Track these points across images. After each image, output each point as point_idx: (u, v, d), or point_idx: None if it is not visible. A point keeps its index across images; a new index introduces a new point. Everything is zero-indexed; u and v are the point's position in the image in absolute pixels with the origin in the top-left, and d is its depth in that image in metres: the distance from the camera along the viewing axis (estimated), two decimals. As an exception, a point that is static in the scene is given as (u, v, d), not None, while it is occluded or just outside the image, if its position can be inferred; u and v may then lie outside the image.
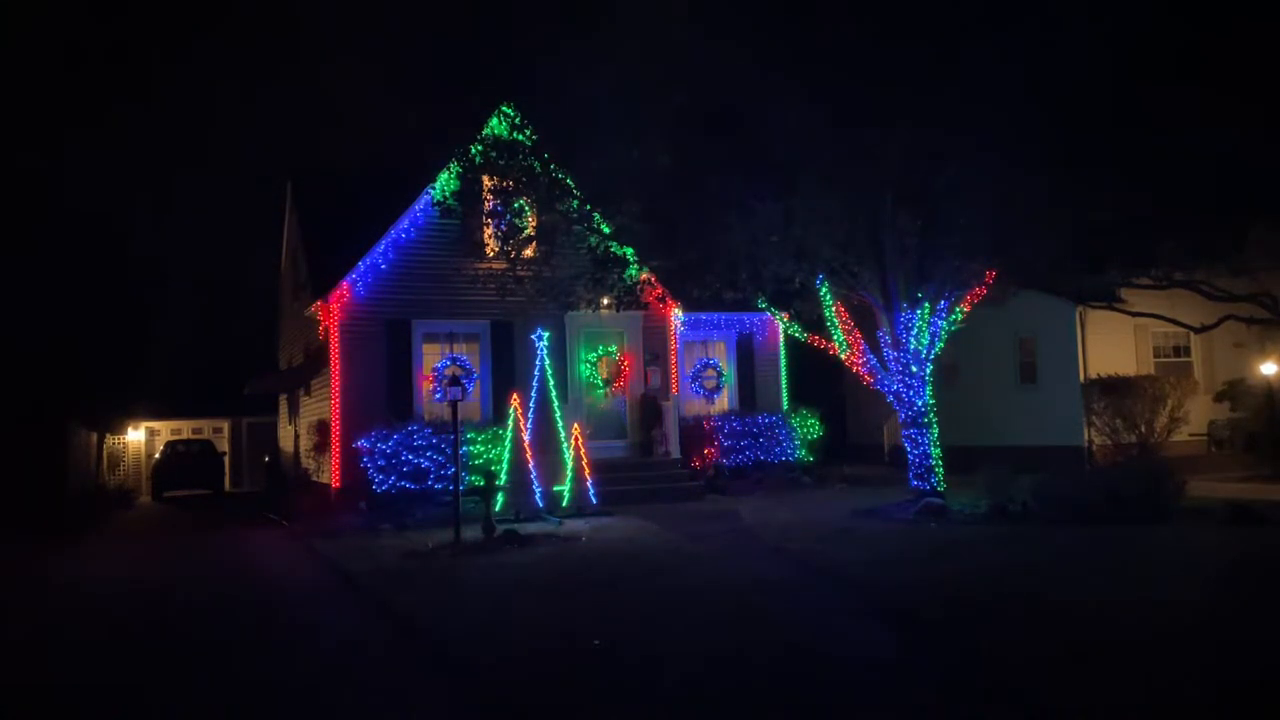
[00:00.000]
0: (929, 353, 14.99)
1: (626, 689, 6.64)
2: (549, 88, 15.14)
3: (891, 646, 7.41)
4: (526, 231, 16.56)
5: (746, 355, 21.83)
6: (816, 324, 16.07)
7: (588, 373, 20.09)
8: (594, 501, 16.52)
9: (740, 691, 6.46)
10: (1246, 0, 13.94)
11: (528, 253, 16.99)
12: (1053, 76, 12.73)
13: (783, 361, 22.04)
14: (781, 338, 21.62)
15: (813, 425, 20.93)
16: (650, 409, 19.65)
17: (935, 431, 15.00)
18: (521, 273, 16.88)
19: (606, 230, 16.17)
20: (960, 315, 15.25)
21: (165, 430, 33.03)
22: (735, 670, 6.91)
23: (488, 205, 16.67)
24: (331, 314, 18.39)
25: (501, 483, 15.89)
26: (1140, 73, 13.22)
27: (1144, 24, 12.81)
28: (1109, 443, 19.16)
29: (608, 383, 20.21)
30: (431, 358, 19.07)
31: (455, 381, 14.14)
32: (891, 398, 15.31)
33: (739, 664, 7.04)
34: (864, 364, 15.33)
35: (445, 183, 17.74)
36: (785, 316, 16.73)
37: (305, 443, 21.45)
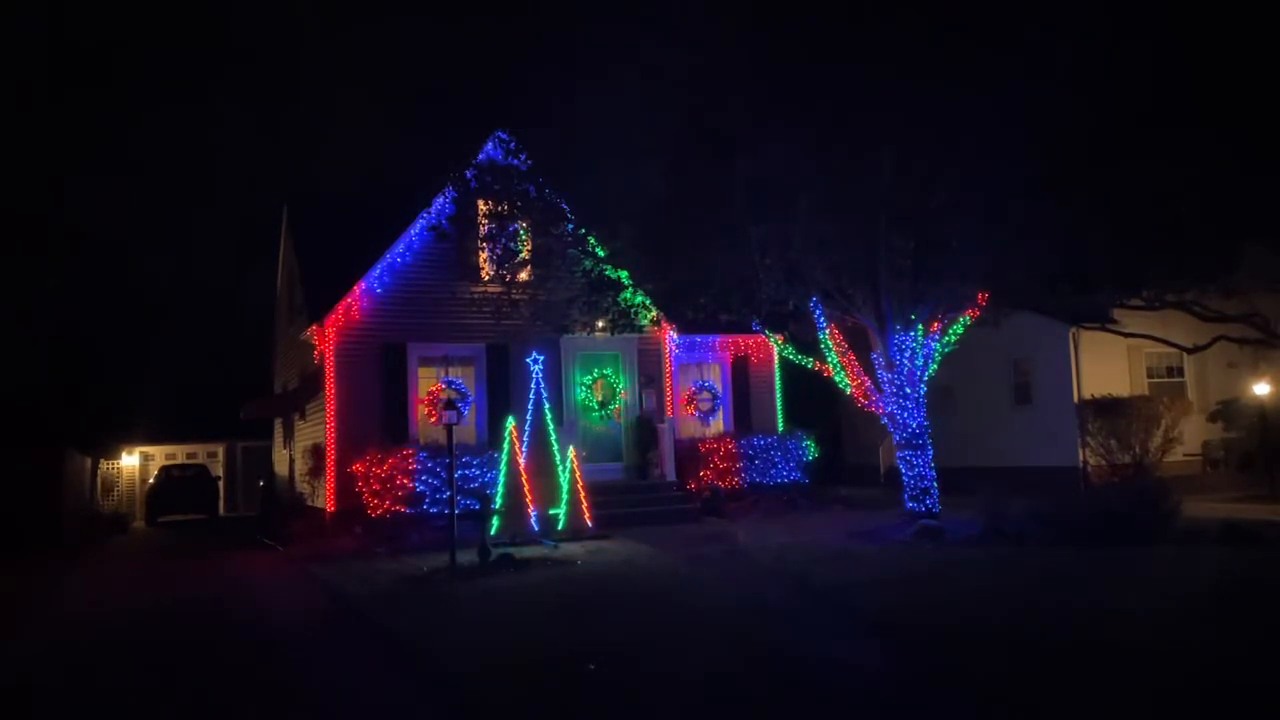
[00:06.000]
0: (923, 374, 15.03)
1: (622, 714, 6.63)
2: (544, 113, 15.26)
3: (891, 671, 7.40)
4: (522, 255, 16.63)
5: (742, 377, 21.87)
6: (811, 346, 16.13)
7: (583, 395, 20.11)
8: (590, 525, 16.48)
9: (738, 717, 6.45)
10: (1236, 26, 14.09)
11: (523, 276, 17.05)
12: (1044, 101, 12.85)
13: (778, 383, 22.08)
14: (777, 360, 21.66)
15: (809, 447, 20.93)
16: (646, 431, 19.64)
17: (930, 452, 15.02)
18: (517, 296, 16.95)
19: (602, 254, 16.25)
20: (954, 337, 15.31)
21: (160, 454, 32.94)
22: (733, 695, 6.89)
23: (483, 229, 16.75)
24: (327, 338, 18.41)
25: (497, 506, 15.87)
26: (1131, 95, 13.35)
27: (1135, 50, 12.95)
28: (1104, 463, 19.19)
29: (603, 405, 20.22)
30: (427, 381, 19.07)
31: (450, 405, 14.14)
32: (886, 419, 15.35)
33: (737, 688, 7.03)
34: (859, 386, 15.37)
35: (441, 207, 17.86)
36: (780, 339, 16.80)
37: (300, 467, 21.41)
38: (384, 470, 17.08)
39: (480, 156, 17.10)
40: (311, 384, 19.85)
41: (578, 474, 16.73)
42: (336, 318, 18.44)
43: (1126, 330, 19.64)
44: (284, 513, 21.35)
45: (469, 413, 18.86)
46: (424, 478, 17.20)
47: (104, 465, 29.06)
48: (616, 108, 13.79)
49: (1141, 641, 7.78)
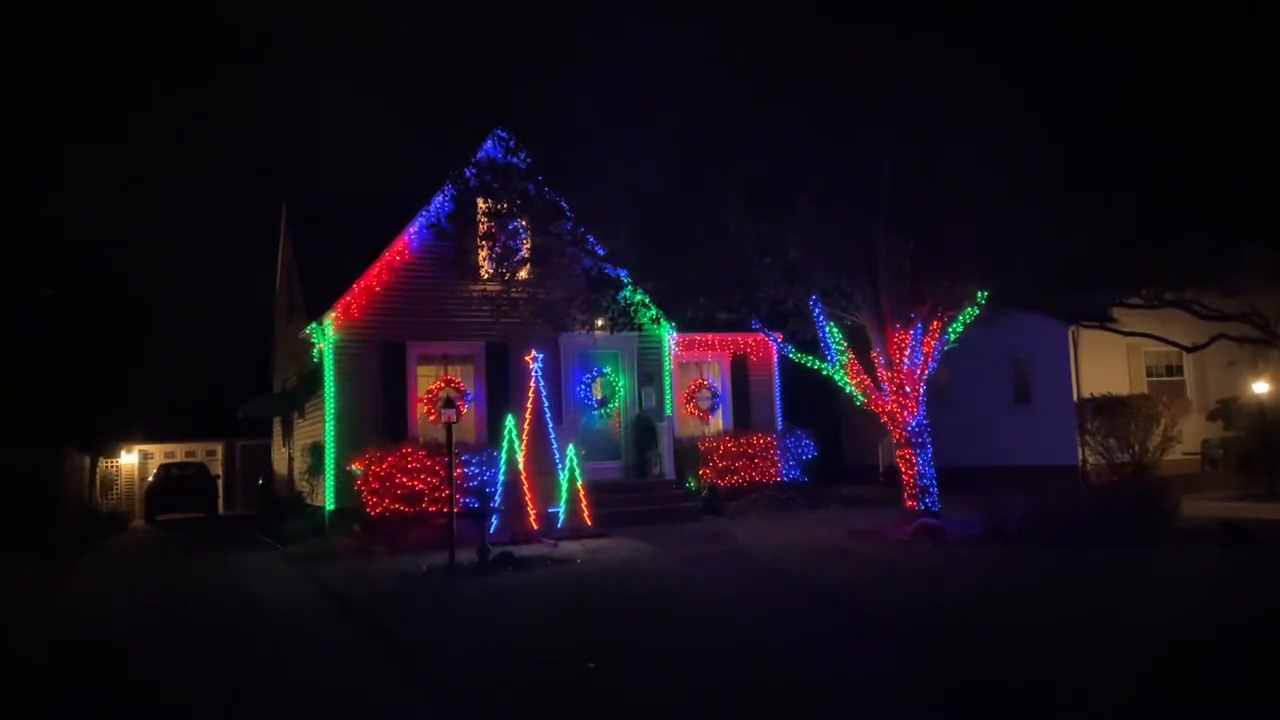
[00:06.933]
0: (922, 373, 15.02)
1: (623, 713, 6.62)
2: (543, 111, 15.21)
3: (891, 671, 7.40)
4: (521, 254, 16.61)
5: (741, 376, 21.86)
6: (811, 345, 16.11)
7: (582, 394, 20.10)
8: (589, 523, 16.47)
9: (738, 716, 6.44)
10: (1236, 28, 14.08)
11: (522, 275, 17.02)
12: (1045, 101, 12.83)
13: (777, 382, 22.06)
14: (776, 358, 21.65)
15: (808, 445, 20.92)
16: (645, 430, 19.63)
17: (930, 451, 15.01)
18: (516, 295, 16.92)
19: (601, 252, 16.23)
20: (954, 335, 15.30)
21: (159, 453, 32.91)
22: (733, 694, 6.89)
23: (482, 228, 16.73)
24: (325, 336, 18.39)
25: (496, 505, 15.86)
26: (1133, 97, 13.35)
27: (1135, 51, 12.95)
28: (1103, 462, 19.20)
29: (602, 404, 20.22)
30: (426, 380, 19.06)
31: (450, 403, 14.14)
32: (886, 418, 15.33)
33: (737, 688, 7.02)
34: (859, 384, 15.35)
35: (440, 206, 17.85)
36: (779, 337, 16.79)
37: (299, 465, 21.40)
38: (383, 469, 17.06)
39: (479, 154, 17.08)
40: (310, 382, 19.83)
41: (577, 473, 16.72)
42: (335, 316, 18.42)
43: (1126, 329, 19.64)
44: (283, 511, 21.35)
45: (468, 411, 18.85)
46: (423, 476, 17.17)
47: (103, 464, 29.03)
48: (616, 106, 13.76)
49: (1140, 641, 7.79)
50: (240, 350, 31.06)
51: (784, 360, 20.23)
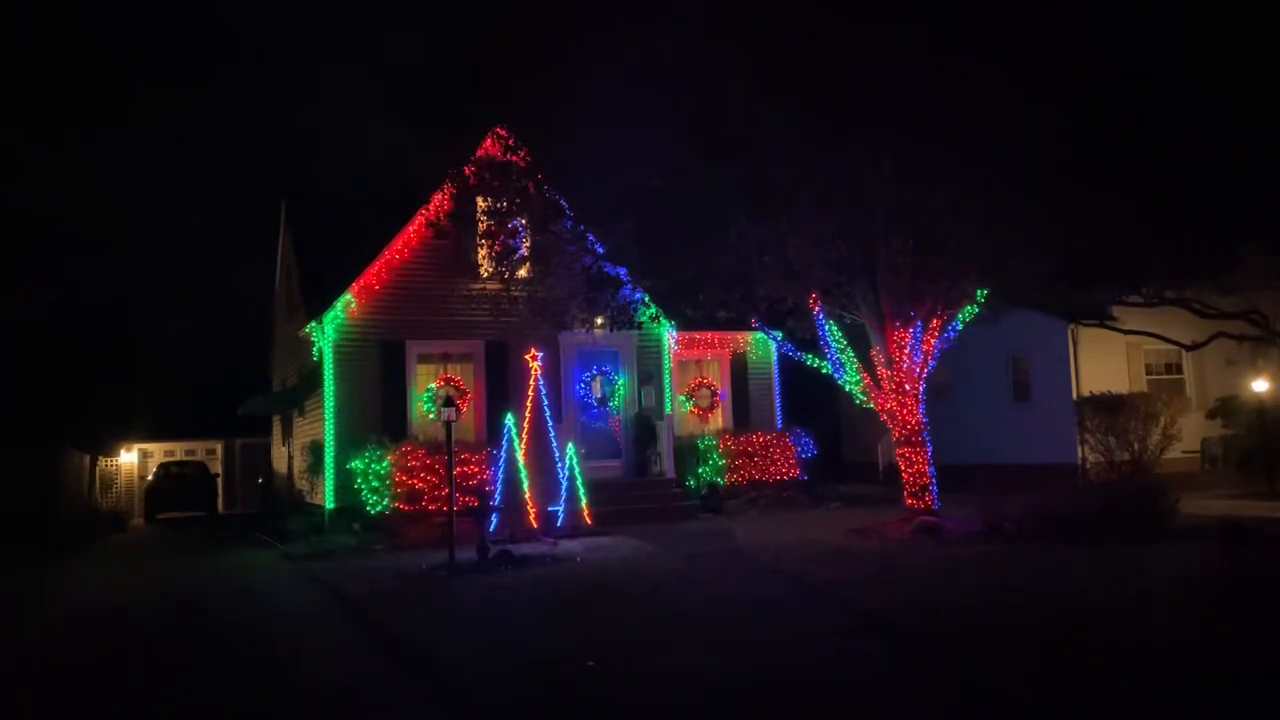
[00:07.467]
0: (922, 371, 15.02)
1: (621, 712, 6.62)
2: (543, 109, 15.21)
3: (892, 670, 7.40)
4: (520, 252, 16.61)
5: (741, 374, 21.86)
6: (810, 343, 16.12)
7: (582, 392, 20.09)
8: (588, 522, 16.48)
9: (737, 715, 6.44)
10: (1236, 26, 14.07)
11: (522, 273, 17.02)
12: (1044, 100, 12.83)
13: (777, 380, 22.06)
14: (775, 356, 21.66)
15: (807, 444, 20.93)
16: (645, 428, 19.63)
17: (930, 450, 15.01)
18: (515, 293, 16.93)
19: (600, 250, 16.23)
20: (954, 334, 15.30)
21: (158, 452, 32.90)
22: (732, 693, 6.88)
23: (481, 226, 16.72)
24: (325, 334, 18.39)
25: (496, 503, 15.85)
26: (1132, 95, 13.34)
27: (1135, 49, 12.94)
28: (1103, 460, 19.20)
29: (602, 402, 20.21)
30: (425, 378, 19.06)
31: (449, 402, 14.14)
32: (885, 416, 15.33)
33: (736, 686, 7.02)
34: (857, 382, 15.36)
35: (439, 204, 17.84)
36: (779, 335, 16.80)
37: (299, 464, 21.40)
38: (382, 467, 17.07)
39: (479, 153, 17.07)
40: (310, 381, 19.82)
41: (577, 471, 16.72)
42: (335, 314, 18.42)
43: (1125, 327, 19.66)
44: (283, 510, 21.34)
45: (468, 410, 18.85)
46: (423, 474, 17.17)
47: (102, 462, 29.01)
48: (616, 104, 13.76)
49: (1139, 640, 7.79)
50: (240, 349, 31.03)
51: (783, 359, 20.23)
